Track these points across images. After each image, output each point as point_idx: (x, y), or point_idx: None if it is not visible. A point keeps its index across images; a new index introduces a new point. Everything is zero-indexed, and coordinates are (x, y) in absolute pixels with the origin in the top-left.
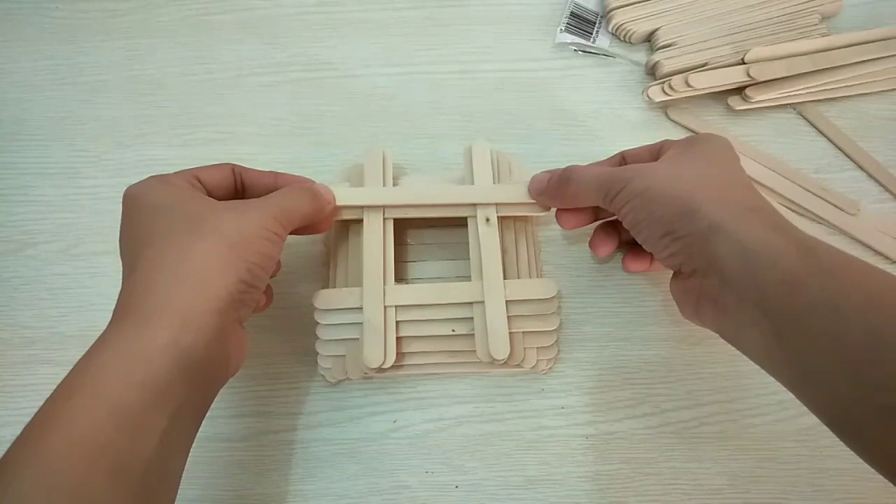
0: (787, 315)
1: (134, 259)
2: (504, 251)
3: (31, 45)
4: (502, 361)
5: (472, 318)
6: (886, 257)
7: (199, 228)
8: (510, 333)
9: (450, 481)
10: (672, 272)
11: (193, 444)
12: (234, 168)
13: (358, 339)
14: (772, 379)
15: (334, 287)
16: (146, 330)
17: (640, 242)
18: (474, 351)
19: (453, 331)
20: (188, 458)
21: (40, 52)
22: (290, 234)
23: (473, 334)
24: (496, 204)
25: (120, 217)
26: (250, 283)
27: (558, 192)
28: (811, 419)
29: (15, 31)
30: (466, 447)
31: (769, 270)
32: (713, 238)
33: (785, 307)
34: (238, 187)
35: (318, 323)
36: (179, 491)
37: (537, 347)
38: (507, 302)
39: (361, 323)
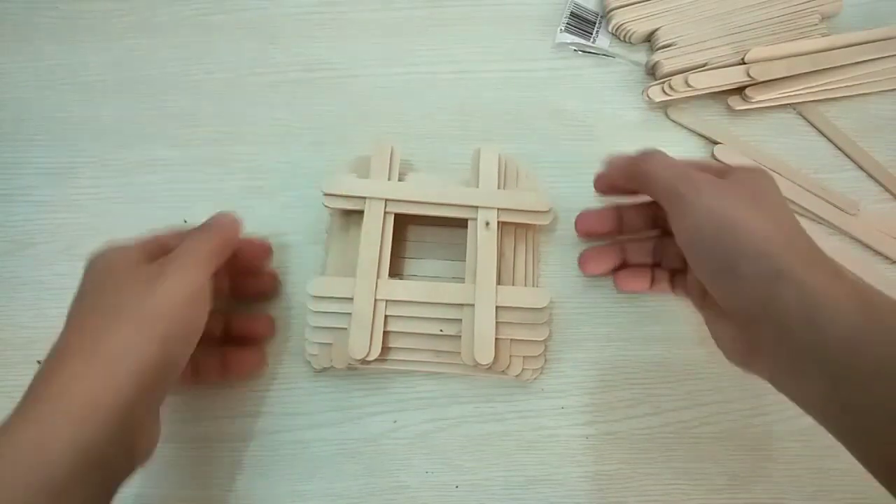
0: (848, 374)
1: (58, 338)
2: (502, 256)
3: (31, 45)
4: (486, 366)
5: (460, 321)
6: (886, 257)
7: (119, 311)
8: (498, 339)
9: (450, 481)
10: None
11: (194, 444)
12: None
13: (346, 328)
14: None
15: (329, 275)
16: (47, 425)
17: (690, 264)
18: (459, 353)
19: (441, 331)
20: (189, 457)
21: (40, 52)
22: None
23: (459, 336)
24: (498, 209)
25: (120, 216)
26: (167, 363)
27: (631, 168)
28: (811, 419)
29: (15, 31)
30: (466, 447)
31: (831, 325)
32: (777, 285)
33: (846, 366)
34: None
35: (308, 309)
36: (179, 491)
37: (524, 356)
38: (497, 308)
39: (350, 313)
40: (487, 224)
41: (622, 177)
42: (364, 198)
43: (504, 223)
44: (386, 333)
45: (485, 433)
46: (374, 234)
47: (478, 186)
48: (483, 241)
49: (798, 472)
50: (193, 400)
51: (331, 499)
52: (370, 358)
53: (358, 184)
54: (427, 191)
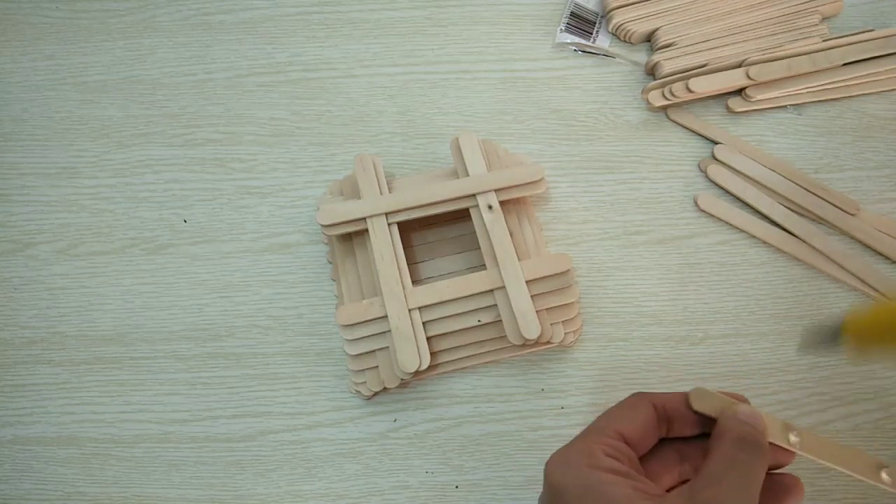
0: None
1: None
2: (510, 234)
3: (31, 45)
4: (533, 342)
5: (495, 306)
6: (886, 257)
7: None
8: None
9: (450, 481)
10: None
11: (194, 444)
12: (652, 401)
13: (388, 347)
14: (772, 379)
15: (349, 301)
16: None
17: None
18: (503, 337)
19: (479, 321)
20: (189, 457)
21: (40, 52)
22: None
23: (499, 321)
24: (495, 190)
25: (120, 216)
26: None
27: None
28: (811, 419)
29: (15, 31)
30: (466, 447)
31: None
32: None
33: None
34: (662, 422)
35: (345, 340)
36: (180, 491)
37: (562, 321)
38: (526, 282)
39: (388, 332)
40: (490, 207)
41: None
42: (364, 218)
43: (500, 202)
44: (427, 340)
45: (485, 433)
46: (386, 249)
47: (466, 174)
48: (491, 224)
49: (798, 473)
50: (192, 400)
51: (331, 499)
52: (422, 368)
53: (354, 206)
54: (423, 193)
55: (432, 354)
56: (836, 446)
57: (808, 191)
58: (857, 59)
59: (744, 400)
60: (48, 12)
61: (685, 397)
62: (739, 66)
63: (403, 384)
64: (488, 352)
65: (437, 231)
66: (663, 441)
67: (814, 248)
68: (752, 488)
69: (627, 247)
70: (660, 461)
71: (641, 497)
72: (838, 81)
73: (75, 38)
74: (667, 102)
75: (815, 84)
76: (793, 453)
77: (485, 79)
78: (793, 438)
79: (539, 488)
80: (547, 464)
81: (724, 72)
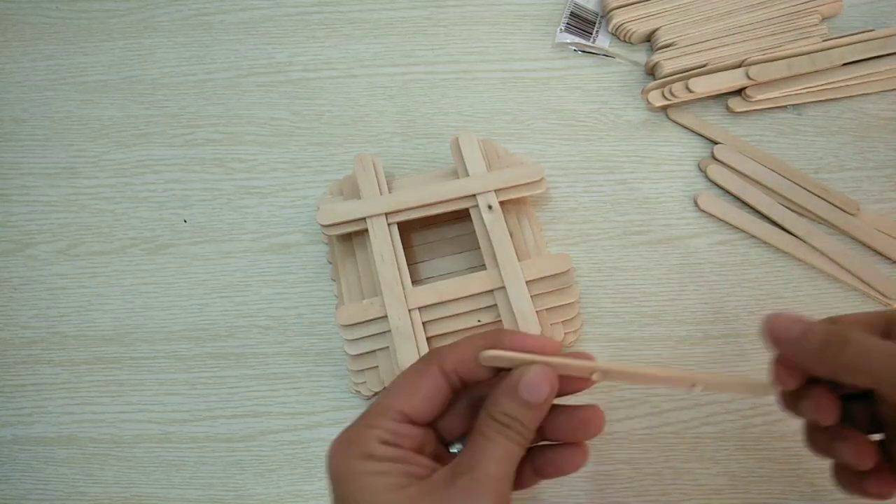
0: None
1: None
2: (510, 234)
3: (31, 45)
4: None
5: (495, 306)
6: (886, 257)
7: None
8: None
9: None
10: None
11: (194, 444)
12: (439, 365)
13: (388, 347)
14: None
15: (349, 301)
16: None
17: None
18: None
19: (479, 321)
20: (189, 457)
21: (40, 52)
22: None
23: (499, 322)
24: (495, 190)
25: (120, 216)
26: None
27: (824, 357)
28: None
29: (15, 31)
30: None
31: None
32: None
33: None
34: (454, 384)
35: (345, 340)
36: (180, 491)
37: (562, 321)
38: (526, 283)
39: (388, 332)
40: (490, 207)
41: (803, 355)
42: (364, 218)
43: (500, 202)
44: (427, 340)
45: None
46: (386, 249)
47: (466, 174)
48: (491, 224)
49: (798, 472)
50: (192, 400)
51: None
52: None
53: (354, 206)
54: (423, 193)
55: None
56: (650, 370)
57: (808, 191)
58: (857, 59)
59: (554, 350)
60: (48, 12)
61: (476, 357)
62: (739, 66)
63: None
64: None
65: (437, 231)
66: (462, 392)
67: (814, 248)
68: (507, 474)
69: (627, 247)
70: (456, 416)
71: (408, 483)
72: (838, 81)
73: (75, 38)
74: (667, 102)
75: (815, 84)
76: (587, 381)
77: (485, 79)
78: (596, 377)
79: (539, 487)
80: (328, 450)
81: (724, 72)
